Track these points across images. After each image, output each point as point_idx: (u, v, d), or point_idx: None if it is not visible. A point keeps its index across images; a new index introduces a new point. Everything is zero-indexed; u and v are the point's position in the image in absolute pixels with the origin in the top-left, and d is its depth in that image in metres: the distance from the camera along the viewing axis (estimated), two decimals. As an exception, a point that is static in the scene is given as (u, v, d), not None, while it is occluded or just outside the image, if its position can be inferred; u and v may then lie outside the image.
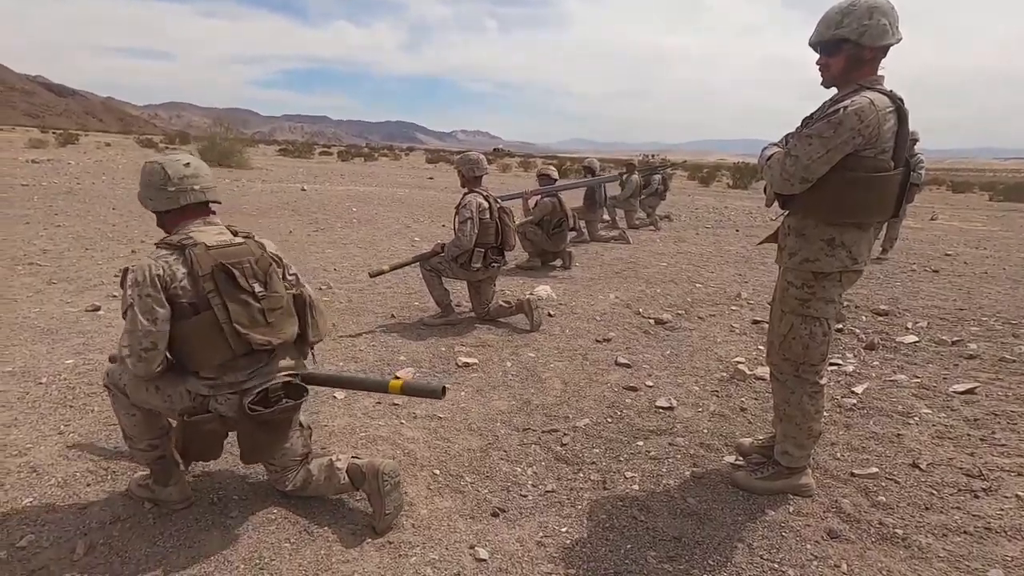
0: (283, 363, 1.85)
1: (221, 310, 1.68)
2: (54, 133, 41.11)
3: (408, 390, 1.95)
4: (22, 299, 4.16)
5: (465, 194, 3.96)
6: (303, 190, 12.70)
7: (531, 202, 6.13)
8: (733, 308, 4.84)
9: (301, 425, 1.97)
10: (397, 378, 2.39)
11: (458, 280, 4.09)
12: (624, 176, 9.43)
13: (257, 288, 1.77)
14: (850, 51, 1.81)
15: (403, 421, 2.65)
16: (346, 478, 1.90)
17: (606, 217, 8.89)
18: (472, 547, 1.82)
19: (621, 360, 3.49)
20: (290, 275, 1.97)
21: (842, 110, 1.73)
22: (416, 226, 8.72)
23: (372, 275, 4.08)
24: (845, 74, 1.85)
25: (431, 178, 21.53)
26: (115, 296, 4.33)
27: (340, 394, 2.86)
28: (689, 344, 3.91)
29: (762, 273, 6.35)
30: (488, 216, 3.90)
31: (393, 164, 34.99)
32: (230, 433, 1.82)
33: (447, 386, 1.97)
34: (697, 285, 5.62)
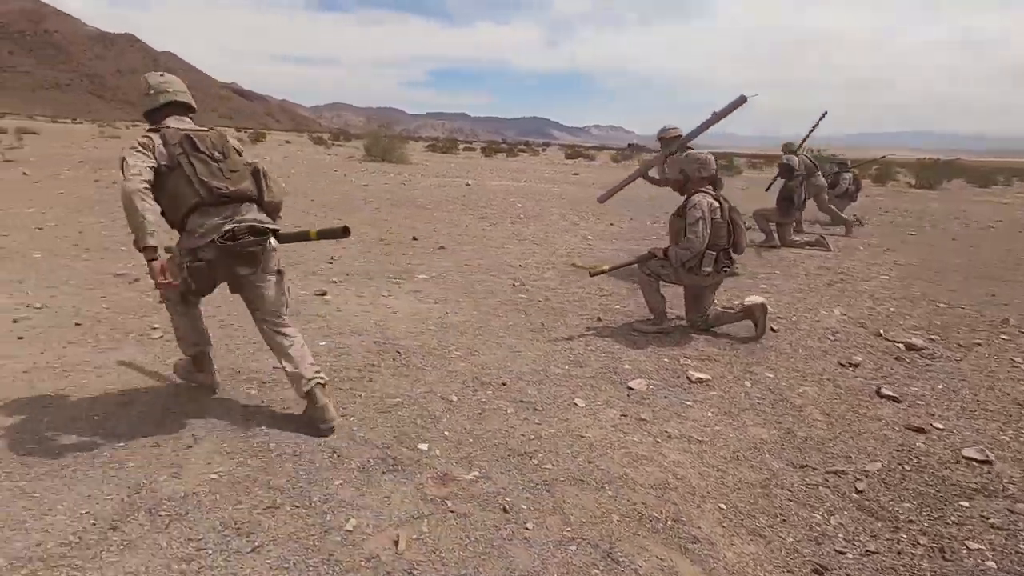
0: (252, 215, 2.29)
1: (188, 166, 2.18)
2: (245, 131, 47.63)
3: (320, 235, 2.43)
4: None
5: (691, 194, 3.67)
6: (468, 185, 13.22)
7: (656, 170, 5.35)
8: (1003, 336, 4.00)
9: (280, 273, 2.41)
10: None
11: (678, 285, 3.82)
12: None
13: (216, 155, 2.25)
14: None
15: (657, 440, 2.46)
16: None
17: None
18: (810, 611, 1.56)
19: (885, 391, 2.99)
20: (251, 159, 2.40)
21: None
22: (583, 223, 8.59)
23: (592, 274, 3.95)
24: None
25: (576, 174, 21.39)
26: (335, 281, 4.70)
27: (580, 402, 2.76)
28: (962, 378, 3.26)
29: None
30: (719, 216, 3.57)
31: (533, 159, 35.47)
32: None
33: (349, 226, 2.45)
34: (940, 304, 4.77)
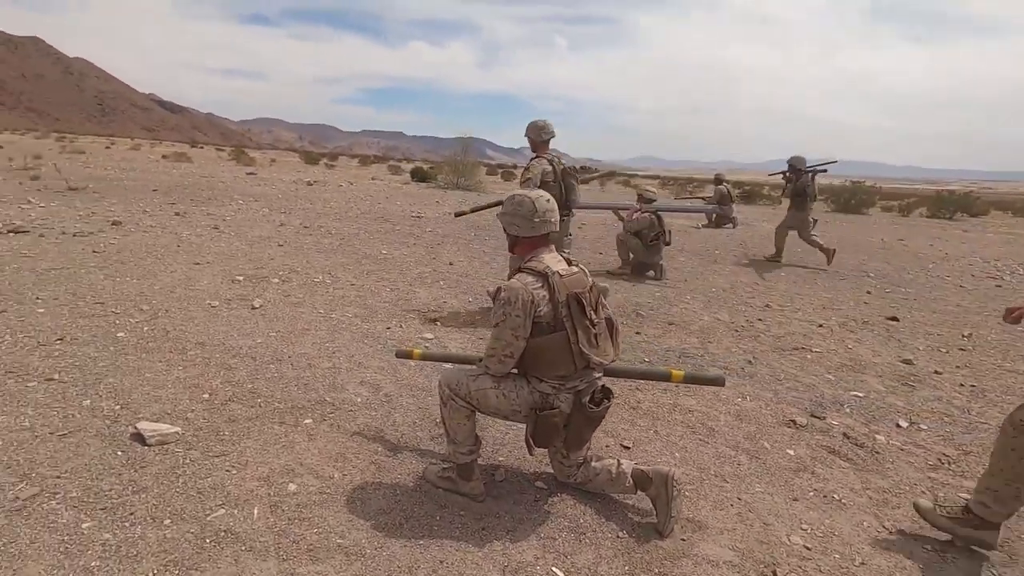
0: (600, 374, 2.14)
1: (572, 332, 1.96)
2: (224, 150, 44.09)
3: (689, 379, 2.19)
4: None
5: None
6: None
7: (627, 215, 7.15)
8: None
9: None
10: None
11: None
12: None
13: (594, 316, 2.03)
14: None
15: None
16: (631, 481, 2.13)
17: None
18: None
19: None
20: (604, 300, 2.19)
21: None
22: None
23: None
24: None
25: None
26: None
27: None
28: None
29: None
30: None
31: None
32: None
33: (724, 375, 2.18)
34: None
